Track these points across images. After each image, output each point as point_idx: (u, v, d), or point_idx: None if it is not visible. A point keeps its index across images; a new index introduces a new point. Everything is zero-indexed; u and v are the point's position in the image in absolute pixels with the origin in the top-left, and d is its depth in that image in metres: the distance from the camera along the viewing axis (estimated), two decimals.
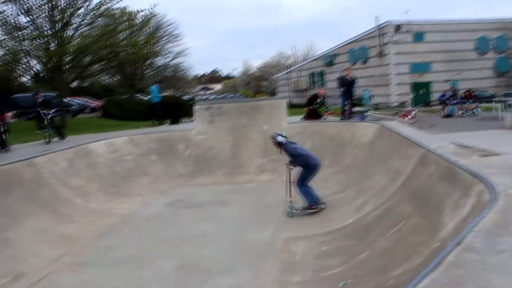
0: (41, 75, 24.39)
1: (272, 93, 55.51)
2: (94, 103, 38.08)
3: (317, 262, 6.22)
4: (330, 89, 25.79)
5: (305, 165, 8.75)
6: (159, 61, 39.53)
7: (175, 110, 23.11)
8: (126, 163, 12.57)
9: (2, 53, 22.87)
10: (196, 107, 14.90)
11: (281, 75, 53.71)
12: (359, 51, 34.80)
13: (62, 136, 14.55)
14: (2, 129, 12.34)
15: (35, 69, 24.21)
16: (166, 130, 15.58)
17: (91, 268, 6.81)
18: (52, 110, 14.14)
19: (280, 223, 8.23)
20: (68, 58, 22.97)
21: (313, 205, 8.78)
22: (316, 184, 9.03)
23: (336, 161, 11.80)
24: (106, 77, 38.19)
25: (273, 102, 15.05)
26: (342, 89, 14.64)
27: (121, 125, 21.79)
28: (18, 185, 8.81)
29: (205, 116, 14.38)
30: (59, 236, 8.02)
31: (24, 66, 24.00)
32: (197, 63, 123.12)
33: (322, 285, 5.44)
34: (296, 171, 8.98)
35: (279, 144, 8.91)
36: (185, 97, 43.15)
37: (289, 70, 49.71)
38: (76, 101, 36.85)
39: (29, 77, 27.59)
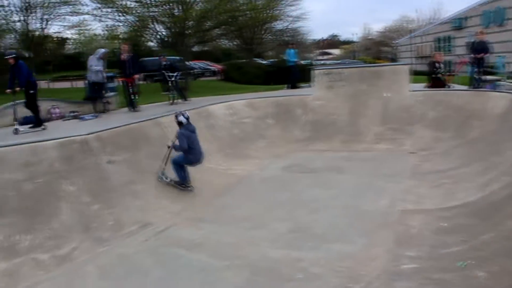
0: (166, 39, 25.65)
1: (393, 59, 52.96)
2: (214, 66, 39.31)
3: (435, 238, 5.87)
4: (457, 56, 23.88)
5: (184, 156, 8.35)
6: (278, 25, 39.41)
7: (294, 74, 23.03)
8: (244, 126, 12.86)
9: (132, 19, 24.42)
10: (315, 72, 14.69)
11: (403, 40, 50.79)
12: (494, 12, 31.62)
13: (185, 98, 15.24)
14: (131, 90, 13.24)
15: (160, 34, 25.52)
16: (284, 94, 15.60)
17: (208, 224, 7.17)
18: (176, 73, 14.82)
19: (397, 194, 7.88)
20: (190, 23, 23.84)
21: (181, 184, 8.46)
22: (437, 157, 8.45)
23: (461, 134, 10.91)
24: (225, 41, 39.02)
25: (395, 68, 14.31)
26: (472, 56, 13.45)
27: (240, 88, 22.29)
28: (146, 142, 9.46)
29: (324, 81, 14.12)
30: (180, 192, 8.53)
31: (151, 31, 25.41)
32: (316, 27, 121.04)
33: (438, 263, 5.13)
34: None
35: (178, 124, 8.39)
36: (303, 62, 42.84)
37: (412, 35, 46.81)
38: (198, 64, 38.33)
39: (155, 42, 29.10)
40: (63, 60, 43.12)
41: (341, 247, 5.89)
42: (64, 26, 31.22)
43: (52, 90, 29.72)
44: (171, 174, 8.63)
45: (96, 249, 6.37)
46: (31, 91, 10.18)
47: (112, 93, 14.70)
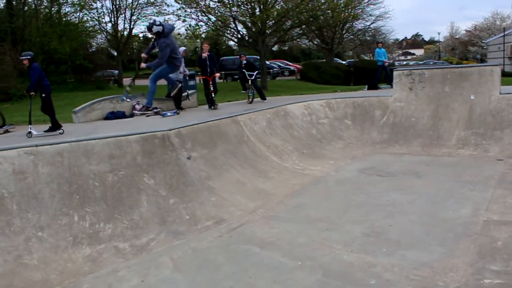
0: (246, 39, 26.04)
1: (481, 60, 50.20)
2: (293, 66, 39.36)
3: None
4: None
5: (169, 62, 7.59)
6: (359, 24, 38.78)
7: (373, 75, 22.52)
8: (321, 126, 12.74)
9: (214, 19, 25.06)
10: (396, 73, 14.23)
11: (494, 39, 47.95)
12: None
13: (263, 96, 15.36)
14: (211, 88, 13.54)
15: (241, 33, 25.95)
16: (363, 95, 15.29)
17: (281, 223, 7.13)
18: (255, 72, 14.97)
19: (481, 204, 7.39)
20: (270, 22, 24.04)
21: (149, 107, 7.86)
22: None
23: None
24: (305, 41, 38.95)
25: (483, 69, 13.49)
26: None
27: (318, 88, 22.15)
28: (223, 140, 9.63)
29: (405, 82, 13.63)
30: (255, 190, 8.59)
31: (231, 30, 25.93)
32: (398, 26, 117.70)
33: None
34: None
35: (156, 34, 7.67)
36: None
37: (505, 33, 43.99)
38: (276, 64, 38.56)
39: (235, 41, 29.68)
40: (148, 58, 45.18)
41: (417, 255, 5.63)
42: None
43: (136, 87, 31.20)
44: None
45: (171, 242, 6.56)
46: (43, 95, 10.01)
47: (192, 91, 15.13)
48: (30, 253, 6.20)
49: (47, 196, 6.94)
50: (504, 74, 23.83)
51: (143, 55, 11.91)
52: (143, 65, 11.28)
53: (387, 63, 19.41)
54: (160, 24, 9.93)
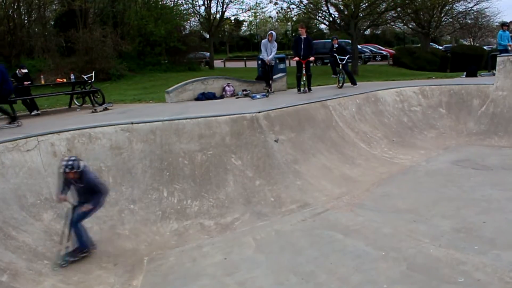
0: (337, 22, 25.51)
1: None
2: (385, 51, 38.09)
3: None
4: None
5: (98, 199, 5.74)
6: (459, 6, 36.43)
7: (473, 61, 21.20)
8: (413, 114, 12.21)
9: (306, 1, 24.81)
10: (499, 59, 13.22)
11: None
12: None
13: (353, 81, 15.00)
14: (303, 72, 13.41)
15: (332, 17, 25.46)
16: (461, 82, 14.42)
17: (367, 211, 6.95)
18: (346, 56, 14.62)
19: None
20: (364, 5, 23.33)
21: (85, 249, 5.84)
22: None
23: None
24: (400, 25, 37.48)
25: None
26: None
27: (411, 75, 21.26)
28: (311, 124, 9.55)
29: (510, 69, 12.64)
30: (341, 176, 8.45)
31: (323, 13, 25.51)
32: (506, 8, 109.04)
33: None
34: None
35: (79, 174, 5.54)
36: (486, 47, 39.02)
37: None
38: (369, 48, 37.51)
39: (326, 24, 29.21)
40: (238, 41, 45.90)
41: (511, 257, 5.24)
42: (241, 9, 33.32)
43: (227, 69, 31.87)
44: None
45: (255, 222, 6.65)
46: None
47: (282, 74, 15.12)
48: (122, 224, 6.60)
49: (140, 171, 7.32)
50: None
51: None
52: None
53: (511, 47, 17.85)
54: None
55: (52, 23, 29.55)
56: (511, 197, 7.23)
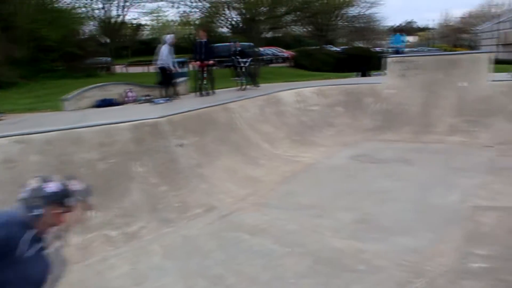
0: (238, 25, 25.87)
1: (472, 47, 50.19)
2: (285, 53, 39.19)
3: (508, 238, 5.51)
4: None
5: None
6: (352, 11, 38.53)
7: (364, 62, 22.51)
8: (312, 113, 12.73)
9: (208, 5, 24.88)
10: (388, 60, 14.22)
11: (486, 27, 47.96)
12: None
13: (255, 83, 15.30)
14: (204, 76, 13.44)
15: (233, 20, 25.77)
16: (355, 82, 15.26)
17: (272, 210, 7.15)
18: (247, 59, 14.89)
19: (470, 190, 7.45)
20: (263, 9, 23.85)
21: None
22: None
23: None
24: (297, 28, 38.75)
25: (474, 57, 13.51)
26: None
27: (310, 76, 22.11)
28: (213, 127, 9.61)
29: (397, 69, 13.62)
30: (246, 177, 8.60)
31: (223, 17, 25.74)
32: (392, 13, 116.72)
33: (511, 264, 4.83)
34: None
35: None
36: (376, 50, 41.60)
37: (498, 20, 43.89)
38: (269, 50, 38.38)
39: (227, 28, 29.49)
40: (139, 45, 44.86)
41: (406, 241, 5.68)
42: (141, 12, 32.55)
43: (128, 74, 31.02)
44: None
45: (161, 229, 6.56)
46: None
47: (183, 78, 15.04)
48: None
49: None
50: (497, 61, 23.86)
51: None
52: None
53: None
54: None
55: None
56: (402, 187, 7.85)
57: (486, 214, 6.38)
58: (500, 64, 22.38)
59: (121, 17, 32.11)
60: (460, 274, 4.74)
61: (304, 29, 39.73)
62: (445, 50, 45.48)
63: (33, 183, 2.36)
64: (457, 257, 5.12)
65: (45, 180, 2.38)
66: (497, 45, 41.03)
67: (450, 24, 72.09)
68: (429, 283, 4.59)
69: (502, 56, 35.47)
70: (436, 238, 5.71)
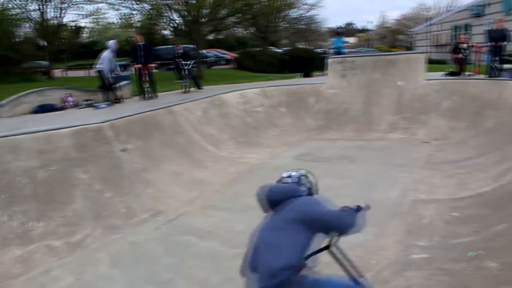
0: (180, 28, 25.63)
1: (409, 48, 52.21)
2: (228, 55, 39.24)
3: (446, 228, 5.82)
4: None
5: None
6: (293, 13, 39.08)
7: (307, 63, 22.91)
8: (256, 114, 12.86)
9: (147, 7, 24.49)
10: (329, 61, 14.58)
11: (419, 29, 50.06)
12: None
13: (198, 86, 15.24)
14: (145, 79, 13.25)
15: (175, 23, 25.52)
16: (297, 83, 15.53)
17: (219, 212, 7.18)
18: (190, 62, 14.79)
19: (409, 184, 7.82)
20: (205, 11, 23.77)
21: None
22: (451, 147, 8.33)
23: (476, 124, 10.80)
24: (240, 30, 38.88)
25: (410, 57, 14.13)
26: (490, 44, 13.13)
27: (253, 77, 22.23)
28: (158, 131, 9.52)
29: (338, 70, 14.01)
30: (192, 180, 8.57)
31: (165, 19, 25.45)
32: (332, 15, 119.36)
33: (450, 253, 5.09)
34: None
35: None
36: (318, 50, 42.45)
37: (429, 23, 45.94)
38: (212, 53, 38.30)
39: (169, 30, 29.16)
40: (78, 48, 43.47)
41: (351, 237, 5.77)
42: (80, 15, 31.42)
43: (68, 78, 29.98)
44: None
45: (108, 237, 6.43)
46: None
47: (126, 81, 14.76)
48: None
49: None
50: (430, 61, 24.98)
51: None
52: None
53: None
54: None
55: None
56: (345, 184, 8.06)
57: (425, 207, 6.70)
58: (433, 64, 23.47)
59: (58, 19, 30.88)
60: (403, 265, 4.96)
61: (247, 31, 39.92)
62: (381, 51, 46.98)
63: None
64: (399, 250, 5.35)
65: None
66: (430, 46, 42.91)
67: (387, 26, 74.60)
68: (375, 276, 4.75)
69: (435, 56, 37.12)
70: (380, 232, 5.92)
